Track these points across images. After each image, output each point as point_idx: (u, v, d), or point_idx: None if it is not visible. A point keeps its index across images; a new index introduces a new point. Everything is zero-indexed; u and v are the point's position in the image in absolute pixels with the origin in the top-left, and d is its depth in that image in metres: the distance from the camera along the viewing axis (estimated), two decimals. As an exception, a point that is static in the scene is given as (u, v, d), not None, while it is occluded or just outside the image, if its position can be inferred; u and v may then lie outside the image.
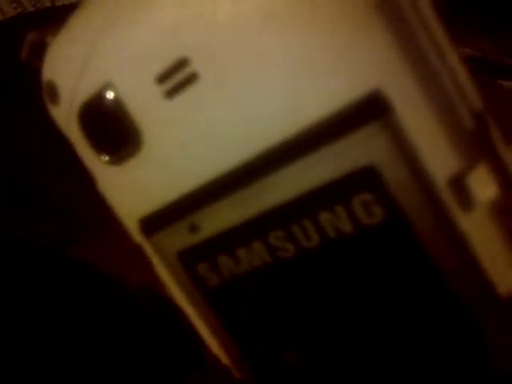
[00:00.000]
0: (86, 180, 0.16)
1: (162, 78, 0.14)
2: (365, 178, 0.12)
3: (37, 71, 0.16)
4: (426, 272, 0.13)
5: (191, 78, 0.13)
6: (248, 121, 0.13)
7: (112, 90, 0.14)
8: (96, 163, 0.16)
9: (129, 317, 0.22)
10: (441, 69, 0.12)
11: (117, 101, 0.14)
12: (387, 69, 0.12)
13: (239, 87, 0.13)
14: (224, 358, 0.17)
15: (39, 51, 0.16)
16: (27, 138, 0.26)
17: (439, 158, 0.12)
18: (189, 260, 0.16)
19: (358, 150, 0.12)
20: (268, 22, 0.12)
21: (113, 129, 0.15)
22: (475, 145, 0.12)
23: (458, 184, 0.12)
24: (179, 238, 0.15)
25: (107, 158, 0.15)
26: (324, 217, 0.13)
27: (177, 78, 0.13)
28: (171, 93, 0.14)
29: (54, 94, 0.16)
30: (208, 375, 0.21)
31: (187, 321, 0.17)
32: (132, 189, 0.16)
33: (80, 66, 0.15)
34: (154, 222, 0.16)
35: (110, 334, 0.21)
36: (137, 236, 0.16)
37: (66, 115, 0.16)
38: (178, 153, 0.14)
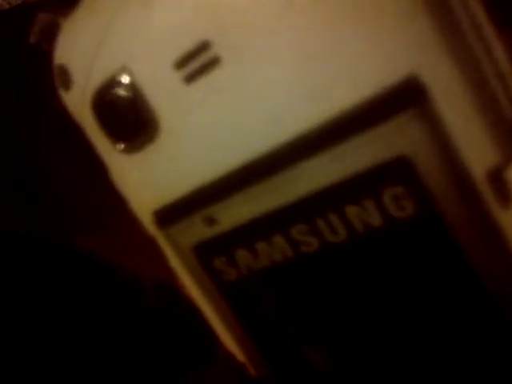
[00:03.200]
0: (94, 172, 0.16)
1: (182, 62, 0.13)
2: (397, 170, 0.12)
3: (48, 55, 0.16)
4: (460, 269, 0.12)
5: (212, 62, 0.13)
6: (272, 108, 0.12)
7: (128, 75, 0.14)
8: (110, 152, 0.15)
9: (136, 311, 0.21)
10: (482, 55, 0.11)
11: (133, 86, 0.14)
12: (425, 52, 0.11)
13: (264, 72, 0.12)
14: (239, 355, 0.17)
15: (50, 34, 0.16)
16: (34, 131, 0.26)
17: (477, 150, 0.11)
18: (205, 254, 0.15)
19: (390, 140, 0.11)
20: (296, 4, 0.12)
21: (128, 116, 0.14)
22: (515, 136, 0.12)
23: (497, 178, 0.11)
24: (195, 231, 0.15)
25: (122, 147, 0.15)
26: (351, 210, 0.13)
27: (197, 62, 0.13)
28: (191, 78, 0.13)
29: (65, 78, 0.15)
30: (219, 371, 0.20)
31: (200, 315, 0.17)
32: (147, 179, 0.15)
33: (93, 49, 0.14)
34: (169, 214, 0.15)
35: (116, 328, 0.20)
36: (151, 228, 0.16)
37: (78, 101, 0.15)
38: (196, 142, 0.14)
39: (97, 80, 0.14)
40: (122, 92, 0.14)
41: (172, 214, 0.15)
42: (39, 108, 0.24)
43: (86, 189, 0.24)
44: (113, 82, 0.14)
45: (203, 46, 0.12)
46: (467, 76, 0.11)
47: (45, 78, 0.16)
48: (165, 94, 0.13)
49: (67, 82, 0.15)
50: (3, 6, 0.25)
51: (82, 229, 0.24)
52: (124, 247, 0.22)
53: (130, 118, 0.14)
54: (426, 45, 0.11)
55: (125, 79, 0.14)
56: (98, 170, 0.16)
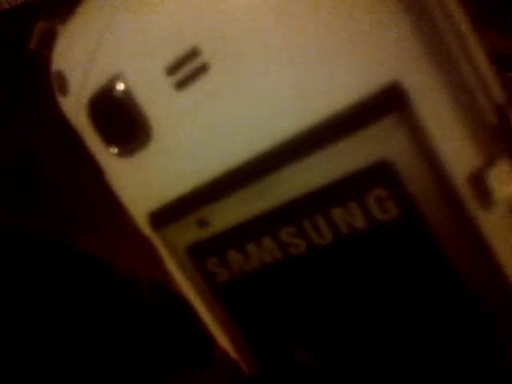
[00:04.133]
0: (91, 172, 0.16)
1: (173, 69, 0.13)
2: (380, 174, 0.12)
3: (46, 61, 0.16)
4: (442, 270, 0.12)
5: (202, 69, 0.13)
6: (260, 113, 0.13)
7: (122, 81, 0.14)
8: (105, 155, 0.15)
9: (133, 310, 0.22)
10: (462, 60, 0.12)
11: (127, 92, 0.14)
12: (406, 60, 0.11)
13: (251, 79, 0.13)
14: (232, 353, 0.17)
15: (49, 40, 0.16)
16: (33, 130, 0.26)
17: (458, 154, 0.12)
18: (198, 255, 0.16)
19: (373, 145, 0.12)
20: (281, 12, 0.12)
21: (122, 120, 0.14)
22: (496, 140, 0.12)
23: (477, 181, 0.12)
24: (188, 232, 0.15)
25: (116, 150, 0.15)
26: (337, 213, 0.13)
27: (187, 68, 0.13)
28: (181, 84, 0.13)
29: (62, 84, 0.15)
30: (215, 369, 0.20)
31: (195, 315, 0.17)
32: (141, 182, 0.15)
33: (89, 56, 0.15)
34: (164, 216, 0.15)
35: (113, 328, 0.21)
36: (146, 230, 0.16)
37: (74, 106, 0.15)
38: (188, 146, 0.14)
39: (92, 86, 0.15)
40: (116, 98, 0.14)
41: (166, 216, 0.15)
42: (39, 108, 0.25)
43: (85, 188, 0.25)
44: (108, 88, 0.14)
45: (193, 53, 0.13)
46: (448, 81, 0.11)
47: (45, 77, 0.16)
48: (157, 100, 0.14)
49: (64, 88, 0.15)
50: (3, 6, 0.26)
51: (81, 228, 0.25)
52: (123, 247, 0.22)
53: (124, 123, 0.14)
54: (407, 52, 0.11)
55: (119, 86, 0.14)
56: (98, 170, 0.16)
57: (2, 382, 0.19)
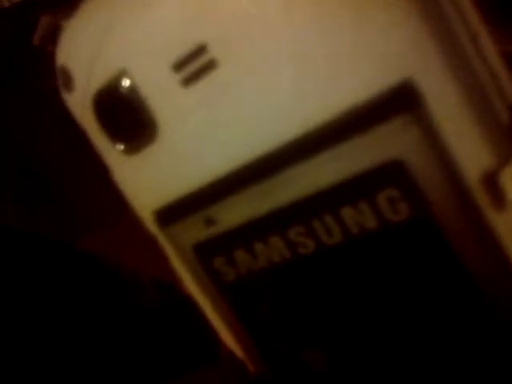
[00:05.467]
0: (98, 171, 0.16)
1: (180, 65, 0.13)
2: (391, 174, 0.12)
3: (50, 56, 0.16)
4: (454, 273, 0.12)
5: (209, 65, 0.13)
6: (269, 110, 0.13)
7: (128, 77, 0.14)
8: (110, 152, 0.15)
9: (137, 310, 0.21)
10: (476, 59, 0.11)
11: (133, 88, 0.14)
12: (420, 58, 0.11)
13: (259, 75, 0.12)
14: (239, 353, 0.17)
15: (53, 36, 0.16)
16: (37, 128, 0.26)
17: (471, 154, 0.11)
18: (205, 253, 0.15)
19: (385, 144, 0.12)
20: (290, 8, 0.12)
21: (128, 117, 0.14)
22: (509, 140, 0.12)
23: (491, 181, 0.12)
24: (195, 230, 0.15)
25: (122, 147, 0.15)
26: (347, 212, 0.13)
27: (194, 65, 0.13)
28: (188, 81, 0.13)
29: (68, 80, 0.15)
30: (221, 369, 0.20)
31: (201, 314, 0.17)
32: (147, 179, 0.15)
33: (95, 51, 0.14)
34: (170, 214, 0.15)
35: (115, 326, 0.21)
36: (152, 228, 0.16)
37: (80, 102, 0.15)
38: (195, 143, 0.14)
39: (98, 82, 0.14)
40: (122, 94, 0.14)
41: (172, 213, 0.15)
42: (43, 107, 0.25)
43: (90, 186, 0.25)
44: (113, 84, 0.14)
45: (200, 49, 0.13)
46: (461, 80, 0.11)
47: (47, 76, 0.16)
48: (163, 97, 0.14)
49: (69, 84, 0.15)
50: (3, 4, 0.26)
51: (86, 226, 0.25)
52: (128, 245, 0.22)
53: (130, 120, 0.14)
54: (420, 50, 0.11)
55: (125, 82, 0.14)
56: (103, 168, 0.16)
57: (6, 380, 0.19)
